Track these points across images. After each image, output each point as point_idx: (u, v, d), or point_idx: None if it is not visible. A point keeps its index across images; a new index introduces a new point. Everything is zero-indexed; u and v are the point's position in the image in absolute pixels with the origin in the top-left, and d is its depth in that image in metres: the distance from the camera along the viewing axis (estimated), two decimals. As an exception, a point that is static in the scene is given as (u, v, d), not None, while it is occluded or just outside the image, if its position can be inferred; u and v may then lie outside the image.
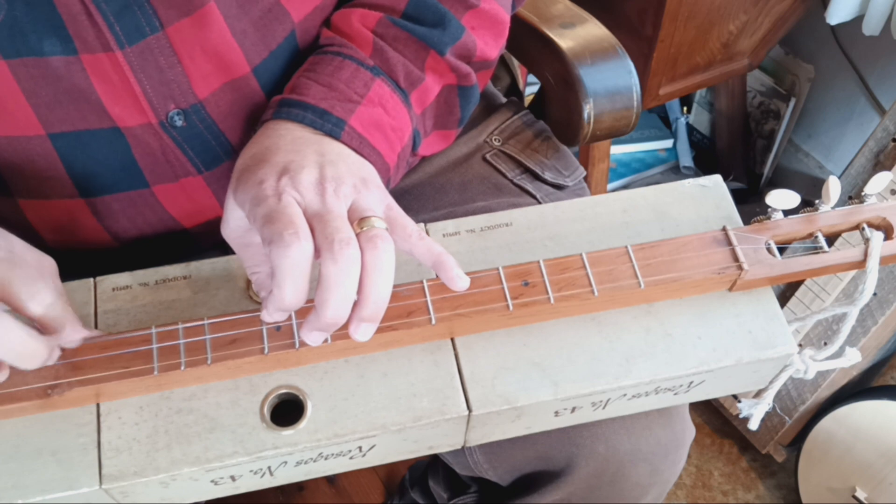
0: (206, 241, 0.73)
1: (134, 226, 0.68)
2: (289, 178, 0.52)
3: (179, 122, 0.62)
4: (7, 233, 0.52)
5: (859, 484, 1.27)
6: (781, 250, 0.59)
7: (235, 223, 0.54)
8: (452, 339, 0.57)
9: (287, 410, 0.55)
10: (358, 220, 0.51)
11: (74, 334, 0.53)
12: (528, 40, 0.85)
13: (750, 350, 0.57)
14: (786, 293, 1.31)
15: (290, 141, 0.56)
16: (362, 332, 0.51)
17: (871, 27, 1.32)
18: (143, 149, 0.63)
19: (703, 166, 1.81)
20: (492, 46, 0.70)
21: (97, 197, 0.65)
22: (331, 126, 0.58)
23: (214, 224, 0.71)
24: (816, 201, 0.61)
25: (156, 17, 0.57)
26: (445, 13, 0.66)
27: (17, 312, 0.48)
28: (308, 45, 0.67)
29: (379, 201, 0.54)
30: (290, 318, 0.55)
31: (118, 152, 0.63)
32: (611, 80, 0.84)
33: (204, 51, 0.60)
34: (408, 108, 0.64)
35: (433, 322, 0.55)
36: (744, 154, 1.75)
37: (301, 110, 0.59)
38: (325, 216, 0.50)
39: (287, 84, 0.62)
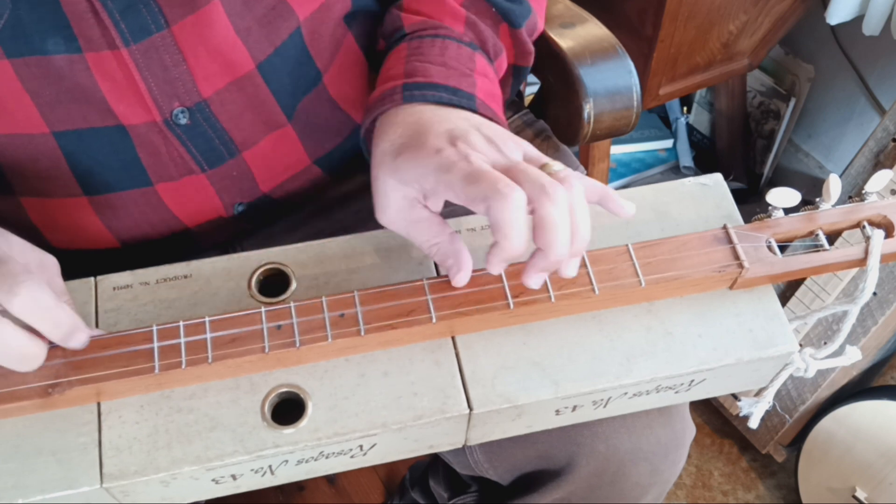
0: (207, 240, 0.73)
1: (136, 224, 0.68)
2: (462, 141, 0.53)
3: (184, 121, 0.62)
4: (7, 232, 0.52)
5: (859, 484, 1.27)
6: (782, 249, 0.59)
7: (398, 204, 0.55)
8: (453, 338, 0.57)
9: (288, 409, 0.55)
10: (540, 167, 0.53)
11: (77, 334, 0.52)
12: (528, 40, 0.86)
13: (750, 349, 0.57)
14: (786, 292, 1.31)
15: (435, 115, 0.57)
16: (572, 266, 0.55)
17: (871, 27, 1.32)
18: (147, 147, 0.63)
19: (703, 166, 1.81)
20: (543, 20, 0.73)
21: (100, 195, 0.66)
22: (466, 101, 0.60)
23: (216, 223, 0.71)
24: (817, 199, 0.61)
25: (161, 14, 0.57)
26: None
27: (5, 311, 0.48)
28: (315, 43, 0.67)
29: (537, 150, 0.56)
30: (289, 316, 0.55)
31: (122, 150, 0.63)
32: (611, 79, 0.84)
33: (208, 49, 0.60)
34: (498, 76, 0.67)
35: (434, 321, 0.55)
36: (744, 154, 1.75)
37: (434, 91, 0.59)
38: (518, 167, 0.52)
39: (393, 70, 0.63)
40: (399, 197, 0.55)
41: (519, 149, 0.55)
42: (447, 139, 0.54)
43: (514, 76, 0.73)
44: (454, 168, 0.51)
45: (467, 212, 0.73)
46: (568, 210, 0.51)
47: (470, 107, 0.60)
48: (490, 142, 0.54)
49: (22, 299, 0.48)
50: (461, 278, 0.55)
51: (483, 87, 0.62)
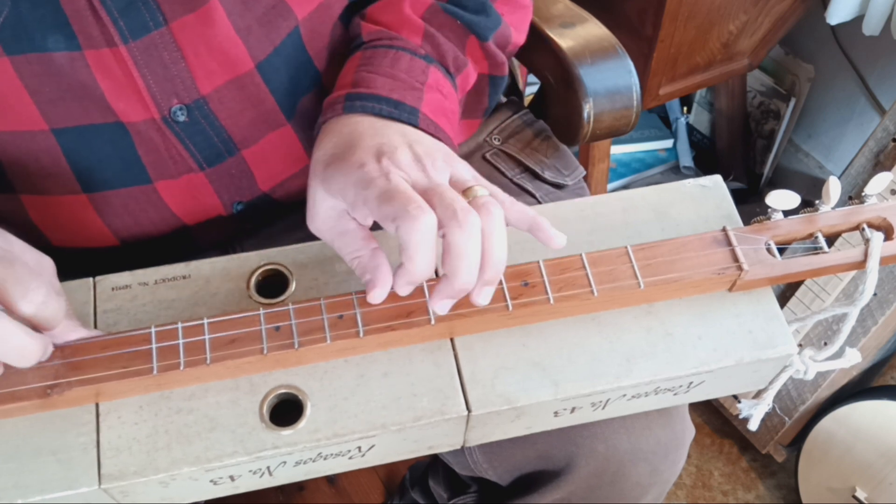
0: (206, 239, 0.73)
1: (136, 223, 0.68)
2: (388, 158, 0.53)
3: (182, 118, 0.62)
4: (6, 233, 0.52)
5: (859, 484, 1.27)
6: (781, 251, 0.59)
7: (326, 213, 0.55)
8: (452, 340, 0.57)
9: (286, 410, 0.55)
10: (463, 191, 0.53)
11: (71, 334, 0.53)
12: (528, 40, 0.86)
13: (750, 350, 0.57)
14: (786, 293, 1.31)
15: (370, 128, 0.57)
16: (484, 295, 0.53)
17: (871, 27, 1.32)
18: (146, 144, 0.63)
19: (703, 166, 1.81)
20: (521, 33, 0.72)
21: (100, 193, 0.66)
22: (407, 115, 0.59)
23: (216, 222, 0.71)
24: (816, 202, 0.60)
25: (160, 12, 0.57)
26: (485, 0, 0.68)
27: (10, 311, 0.48)
28: (314, 43, 0.67)
29: (469, 172, 0.56)
30: (288, 318, 0.55)
31: (121, 148, 0.63)
32: (611, 79, 0.84)
33: (208, 47, 0.60)
34: (457, 92, 0.66)
35: (433, 322, 0.55)
36: (744, 154, 1.75)
37: (375, 102, 0.59)
38: (436, 189, 0.52)
39: (343, 79, 0.62)
40: (327, 207, 0.55)
41: (447, 169, 0.55)
42: (374, 154, 0.54)
43: (490, 86, 0.73)
44: (372, 184, 0.51)
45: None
46: (478, 238, 0.50)
47: (411, 121, 0.59)
48: (417, 160, 0.54)
49: (34, 306, 0.48)
50: (376, 294, 0.53)
51: (431, 102, 0.62)
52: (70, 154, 0.63)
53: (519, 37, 0.73)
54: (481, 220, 0.51)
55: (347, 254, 0.55)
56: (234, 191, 0.70)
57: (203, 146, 0.65)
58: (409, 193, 0.50)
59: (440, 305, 0.54)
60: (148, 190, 0.67)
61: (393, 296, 0.55)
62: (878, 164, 1.26)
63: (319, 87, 0.70)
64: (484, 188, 0.54)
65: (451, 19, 0.67)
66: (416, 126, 0.59)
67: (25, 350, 0.48)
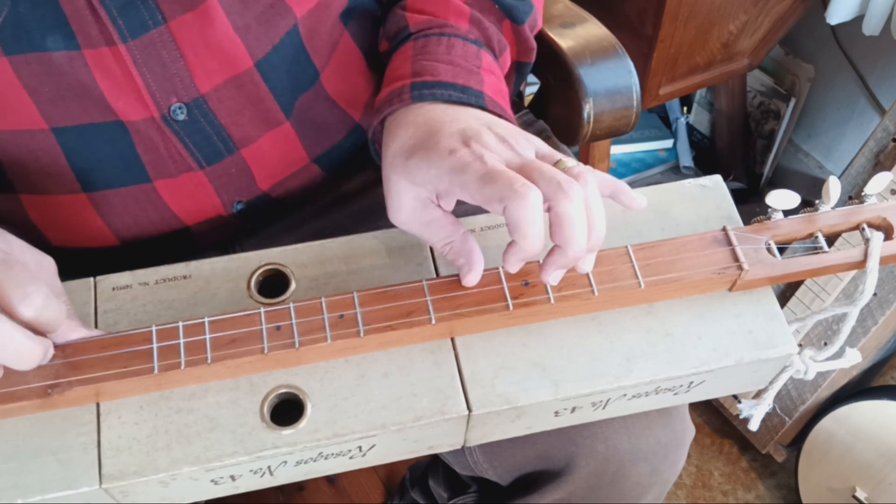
0: (206, 239, 0.73)
1: (136, 222, 0.68)
2: (475, 142, 0.53)
3: (181, 116, 0.62)
4: (6, 233, 0.52)
5: (859, 484, 1.27)
6: (781, 250, 0.59)
7: (410, 205, 0.56)
8: (452, 339, 0.57)
9: (287, 410, 0.55)
10: (554, 164, 0.53)
11: (72, 334, 0.53)
12: (528, 40, 0.86)
13: (750, 350, 0.57)
14: (786, 293, 1.31)
15: (445, 115, 0.57)
16: (588, 262, 0.55)
17: (871, 27, 1.32)
18: (146, 143, 0.63)
19: (703, 166, 1.81)
20: (542, 18, 0.73)
21: (99, 192, 0.66)
22: (475, 98, 0.60)
23: (216, 222, 0.71)
24: (816, 201, 0.60)
25: (159, 11, 0.57)
26: None
27: (10, 315, 0.47)
28: (313, 41, 0.67)
29: (547, 146, 0.56)
30: (289, 317, 0.55)
31: (121, 147, 0.63)
32: (611, 79, 0.84)
33: (207, 46, 0.60)
34: (503, 72, 0.67)
35: (433, 322, 0.55)
36: (744, 154, 1.75)
37: (442, 89, 0.59)
38: (532, 165, 0.52)
39: (398, 71, 0.62)
40: (412, 198, 0.55)
41: (531, 146, 0.55)
42: (460, 140, 0.54)
43: (516, 73, 0.73)
44: (469, 169, 0.51)
45: (466, 212, 0.73)
46: (584, 206, 0.51)
47: (479, 104, 0.59)
48: (503, 140, 0.54)
49: (34, 309, 0.48)
50: (472, 278, 0.55)
51: (491, 84, 0.62)
52: (70, 153, 0.63)
53: (541, 21, 0.74)
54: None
55: (438, 241, 0.56)
56: (233, 190, 0.70)
57: (202, 145, 0.65)
58: (510, 172, 0.51)
59: (554, 276, 0.55)
60: (147, 189, 0.67)
61: (394, 296, 0.55)
62: (878, 164, 1.26)
63: (318, 85, 0.70)
64: (570, 158, 0.54)
65: (490, 3, 0.68)
66: (484, 108, 0.60)
67: (25, 353, 0.48)
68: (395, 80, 0.62)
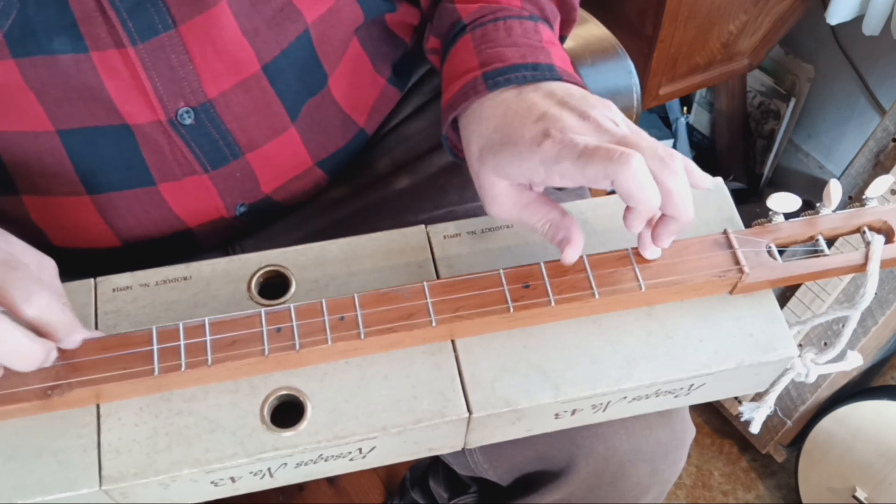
0: (208, 241, 0.73)
1: (139, 224, 0.68)
2: (559, 129, 0.53)
3: (188, 120, 0.62)
4: (7, 234, 0.52)
5: (859, 484, 1.27)
6: (781, 253, 0.59)
7: (505, 194, 0.56)
8: (453, 342, 0.57)
9: (287, 412, 0.55)
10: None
11: (73, 335, 0.52)
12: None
13: (751, 353, 0.57)
14: (786, 294, 1.31)
15: (519, 102, 0.57)
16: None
17: (871, 27, 1.32)
18: (151, 146, 0.63)
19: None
20: None
21: (103, 194, 0.66)
22: (548, 73, 0.59)
23: (218, 224, 0.71)
24: (817, 204, 0.60)
25: (168, 14, 0.57)
26: None
27: (12, 315, 0.47)
28: (325, 46, 0.67)
29: (624, 116, 0.57)
30: (289, 319, 0.55)
31: (126, 149, 0.63)
32: (611, 80, 0.84)
33: (216, 49, 0.60)
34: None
35: (434, 324, 0.55)
36: (744, 154, 1.75)
37: (515, 72, 0.59)
38: (626, 140, 0.53)
39: (463, 65, 0.62)
40: (504, 187, 0.56)
41: (612, 115, 0.55)
42: (541, 130, 0.54)
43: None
44: (561, 155, 0.52)
45: (466, 213, 0.73)
46: (685, 177, 0.52)
47: (553, 77, 0.59)
48: (584, 118, 0.54)
49: (37, 309, 0.48)
50: (572, 252, 0.55)
51: (557, 55, 0.62)
52: (74, 155, 0.63)
53: None
54: None
55: (538, 220, 0.56)
56: (237, 193, 0.70)
57: (208, 149, 0.65)
58: (605, 145, 0.51)
59: (667, 242, 0.56)
60: (151, 192, 0.66)
61: (395, 298, 0.55)
62: (878, 165, 1.26)
63: (326, 90, 0.70)
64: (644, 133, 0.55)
65: None
66: (559, 79, 0.59)
67: (25, 353, 0.48)
68: (462, 73, 0.61)
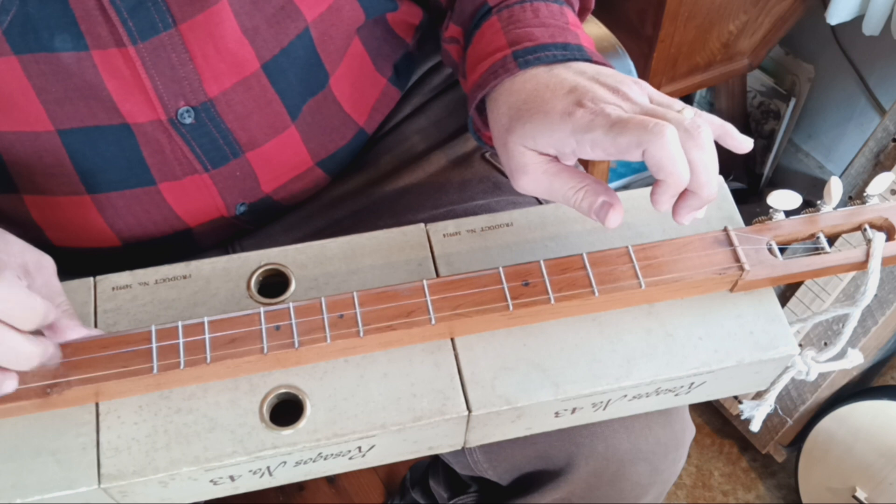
0: (208, 241, 0.73)
1: (139, 223, 0.68)
2: (588, 100, 0.53)
3: (189, 120, 0.62)
4: (6, 233, 0.52)
5: (859, 484, 1.27)
6: (782, 251, 0.59)
7: (533, 166, 0.55)
8: (452, 340, 0.57)
9: (286, 410, 0.55)
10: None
11: (72, 333, 0.52)
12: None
13: (751, 351, 0.57)
14: (786, 293, 1.31)
15: (550, 77, 0.57)
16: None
17: (871, 27, 1.32)
18: (152, 146, 0.63)
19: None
20: None
21: (103, 193, 0.66)
22: (577, 53, 0.59)
23: (218, 223, 0.71)
24: (818, 202, 0.60)
25: (169, 13, 0.57)
26: None
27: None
28: (325, 45, 0.67)
29: (658, 91, 0.56)
30: (288, 317, 0.55)
31: (126, 149, 0.63)
32: (611, 79, 0.83)
33: (216, 48, 0.60)
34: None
35: (433, 322, 0.55)
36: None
37: (545, 51, 0.59)
38: (655, 112, 0.52)
39: (491, 45, 0.62)
40: (533, 159, 0.55)
41: (643, 91, 0.55)
42: (573, 101, 0.54)
43: None
44: (594, 125, 0.52)
45: (466, 211, 0.73)
46: (712, 148, 0.52)
47: (582, 57, 0.59)
48: (615, 91, 0.54)
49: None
50: (615, 216, 0.55)
51: (584, 38, 0.62)
52: (74, 155, 0.63)
53: None
54: None
55: (571, 188, 0.55)
56: (237, 192, 0.70)
57: (208, 148, 0.65)
58: (638, 116, 0.51)
59: (689, 218, 0.55)
60: (151, 191, 0.66)
61: (394, 296, 0.55)
62: (879, 164, 1.26)
63: (327, 89, 0.70)
64: (678, 101, 0.54)
65: None
66: (588, 60, 0.59)
67: (23, 354, 0.48)
68: (491, 53, 0.61)
